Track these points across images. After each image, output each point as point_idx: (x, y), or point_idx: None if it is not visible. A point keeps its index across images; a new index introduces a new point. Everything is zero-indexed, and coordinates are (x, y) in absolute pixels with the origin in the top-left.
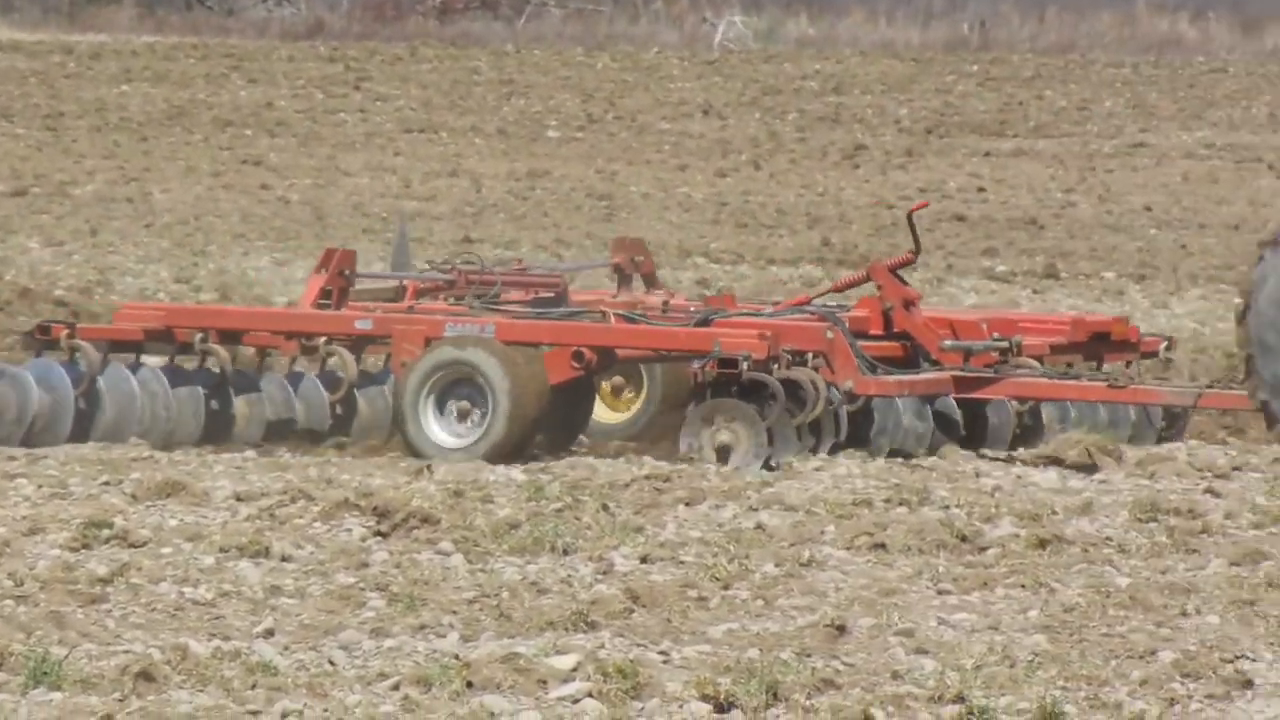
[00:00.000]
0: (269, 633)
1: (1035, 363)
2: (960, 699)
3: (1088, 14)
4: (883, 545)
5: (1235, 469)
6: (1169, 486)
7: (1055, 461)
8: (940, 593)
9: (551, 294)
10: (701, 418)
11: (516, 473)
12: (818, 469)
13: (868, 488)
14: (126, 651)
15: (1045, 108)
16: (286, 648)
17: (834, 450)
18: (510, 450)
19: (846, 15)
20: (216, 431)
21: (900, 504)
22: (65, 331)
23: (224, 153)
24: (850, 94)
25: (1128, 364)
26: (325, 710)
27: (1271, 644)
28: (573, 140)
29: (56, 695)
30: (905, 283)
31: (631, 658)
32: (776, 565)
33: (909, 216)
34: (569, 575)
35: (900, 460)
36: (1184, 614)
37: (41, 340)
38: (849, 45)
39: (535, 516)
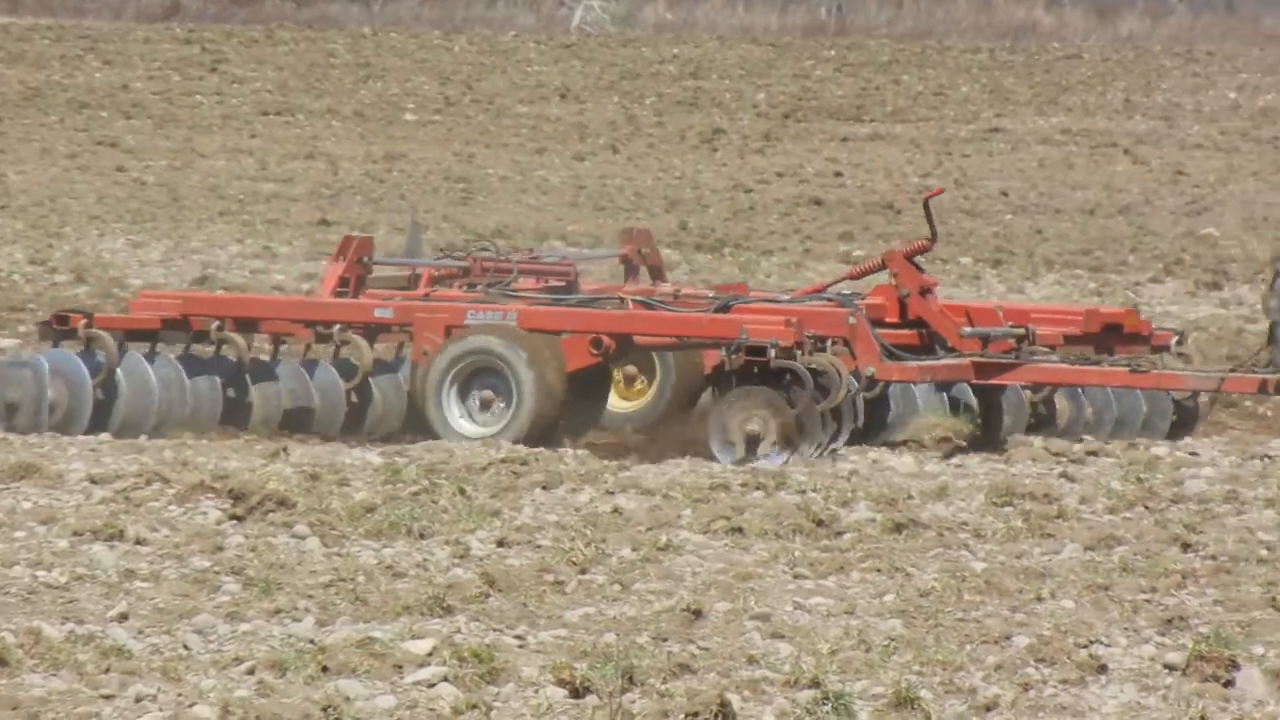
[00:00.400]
0: (123, 616)
1: (1050, 351)
2: (816, 683)
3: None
4: (740, 530)
5: (1090, 454)
6: (1024, 471)
7: (915, 446)
8: (796, 577)
9: (562, 283)
10: (729, 407)
11: (373, 456)
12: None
13: (725, 472)
14: None
15: (902, 93)
16: (141, 631)
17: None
18: (534, 438)
19: (704, 0)
20: (233, 420)
21: (757, 488)
22: (83, 321)
23: (79, 134)
24: (708, 78)
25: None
26: (179, 694)
27: (1125, 628)
28: (430, 123)
29: None
30: (921, 270)
31: (488, 642)
32: (633, 549)
33: (925, 203)
34: (425, 559)
35: None
36: (1039, 599)
37: (59, 330)
38: (707, 30)
39: (392, 500)
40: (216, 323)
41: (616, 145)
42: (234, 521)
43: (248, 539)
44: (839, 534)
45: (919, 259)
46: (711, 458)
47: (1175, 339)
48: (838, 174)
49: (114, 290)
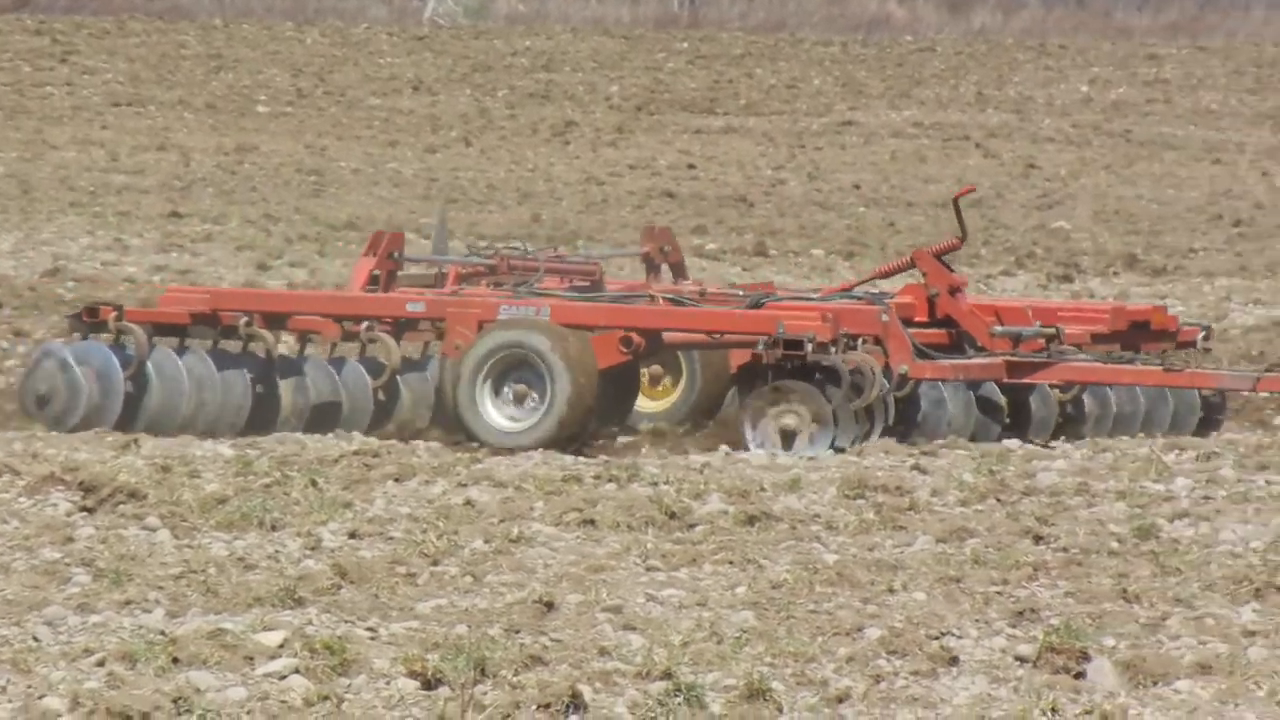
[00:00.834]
0: None
1: (1079, 350)
2: (668, 675)
3: None
4: (592, 522)
5: (943, 446)
6: (876, 464)
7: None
8: (649, 569)
9: (588, 281)
10: (764, 402)
11: (224, 448)
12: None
13: (577, 464)
14: None
15: (755, 86)
16: None
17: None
18: (569, 435)
19: None
20: (261, 416)
21: (610, 480)
22: (113, 314)
23: None
24: (561, 71)
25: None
26: (29, 686)
27: (977, 620)
28: (282, 115)
29: None
30: (951, 269)
31: (339, 634)
32: (485, 541)
33: (955, 201)
34: (277, 551)
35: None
36: (890, 591)
37: (89, 323)
38: (559, 22)
39: (243, 492)
40: (245, 318)
41: (469, 138)
42: (84, 513)
43: (98, 531)
44: (691, 526)
45: (947, 258)
46: (744, 448)
47: (1203, 333)
48: (690, 166)
49: None
